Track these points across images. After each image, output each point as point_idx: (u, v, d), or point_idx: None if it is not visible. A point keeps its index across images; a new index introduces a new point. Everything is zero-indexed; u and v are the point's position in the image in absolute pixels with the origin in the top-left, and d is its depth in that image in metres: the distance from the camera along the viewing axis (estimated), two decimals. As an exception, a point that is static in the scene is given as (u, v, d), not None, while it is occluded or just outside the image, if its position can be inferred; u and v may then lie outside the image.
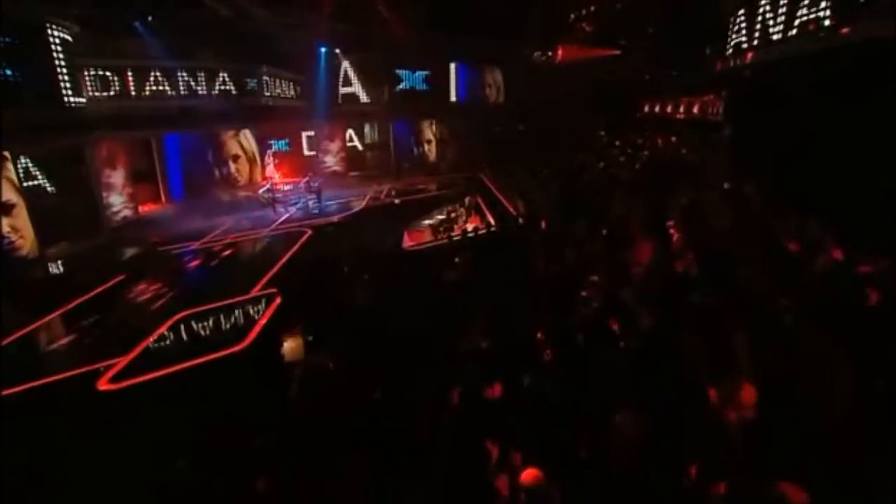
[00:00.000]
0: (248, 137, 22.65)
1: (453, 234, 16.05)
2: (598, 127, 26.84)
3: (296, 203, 20.52)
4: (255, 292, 11.34)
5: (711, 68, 15.50)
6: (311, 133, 24.95)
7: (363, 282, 10.42)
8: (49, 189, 14.28)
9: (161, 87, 18.30)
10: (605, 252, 7.97)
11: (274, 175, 22.00)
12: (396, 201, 21.46)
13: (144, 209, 19.20)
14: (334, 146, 25.76)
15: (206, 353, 8.59)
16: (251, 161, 22.90)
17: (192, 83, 19.04)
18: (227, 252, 14.79)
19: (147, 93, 17.82)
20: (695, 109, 22.20)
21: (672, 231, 7.89)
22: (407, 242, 15.40)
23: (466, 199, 18.40)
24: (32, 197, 13.44)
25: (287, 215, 19.01)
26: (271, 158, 22.01)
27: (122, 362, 8.50)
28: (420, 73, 26.17)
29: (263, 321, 9.87)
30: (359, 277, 10.69)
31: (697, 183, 11.76)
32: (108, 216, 16.16)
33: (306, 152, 25.16)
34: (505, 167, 24.06)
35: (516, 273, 8.67)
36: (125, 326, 9.97)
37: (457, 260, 11.91)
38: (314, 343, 8.41)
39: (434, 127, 28.28)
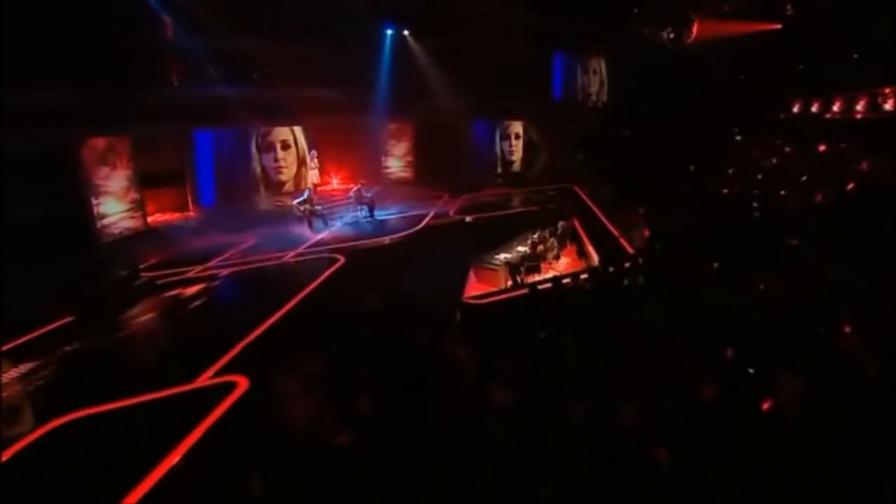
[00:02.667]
0: (296, 129, 19.16)
1: (539, 278, 11.37)
2: (731, 130, 20.89)
3: (341, 217, 16.54)
4: (204, 379, 7.20)
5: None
6: (372, 131, 20.98)
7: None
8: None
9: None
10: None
11: (317, 180, 18.19)
12: (468, 219, 16.91)
13: (164, 218, 16.00)
14: (399, 148, 21.64)
15: None
16: (300, 158, 19.31)
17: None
18: (216, 286, 11.00)
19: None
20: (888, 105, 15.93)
21: None
22: (471, 288, 10.88)
23: (559, 225, 13.48)
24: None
25: (325, 233, 15.04)
26: (315, 161, 18.13)
27: None
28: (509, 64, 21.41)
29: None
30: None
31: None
32: (99, 228, 12.88)
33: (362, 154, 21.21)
34: (608, 180, 18.88)
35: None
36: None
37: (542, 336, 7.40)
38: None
39: (521, 129, 23.51)
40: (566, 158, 22.73)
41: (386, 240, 14.36)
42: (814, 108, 20.11)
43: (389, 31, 19.73)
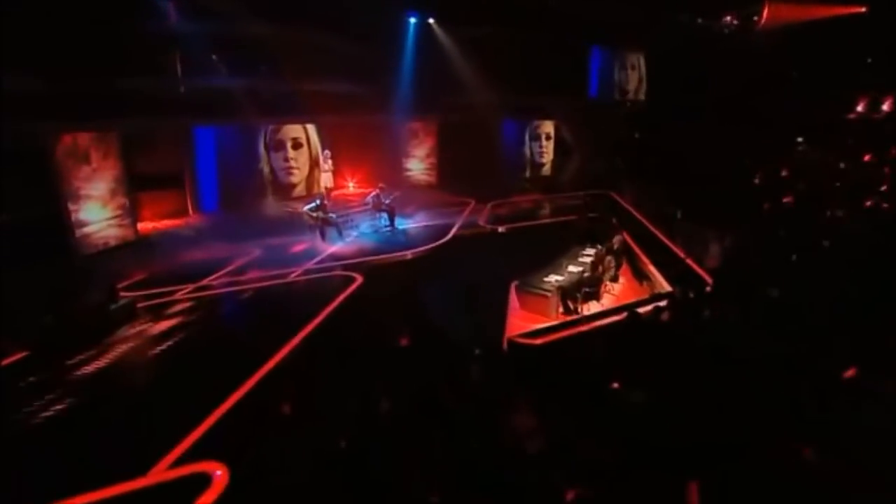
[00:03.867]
0: (308, 126, 17.45)
1: (599, 307, 9.45)
2: (790, 131, 18.72)
3: (357, 226, 14.66)
4: (160, 472, 5.26)
5: None
6: (392, 130, 19.11)
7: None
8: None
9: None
10: None
11: (330, 184, 16.33)
12: (501, 230, 14.99)
13: (160, 225, 14.24)
14: (421, 149, 19.73)
15: None
16: (313, 159, 17.57)
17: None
18: (208, 313, 9.12)
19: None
20: None
21: None
22: (515, 318, 8.99)
23: (615, 239, 11.46)
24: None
25: (340, 244, 13.17)
26: (329, 163, 16.26)
27: None
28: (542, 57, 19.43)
29: None
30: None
31: None
32: (77, 239, 11.11)
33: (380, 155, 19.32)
34: (653, 186, 16.84)
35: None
36: None
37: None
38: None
39: (552, 130, 21.53)
40: (601, 162, 20.75)
41: (408, 254, 12.47)
42: (885, 107, 17.93)
43: (413, 20, 17.85)
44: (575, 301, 9.50)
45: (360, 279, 10.58)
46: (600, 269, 10.33)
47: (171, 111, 13.78)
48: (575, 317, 9.12)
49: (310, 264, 11.66)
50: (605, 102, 20.67)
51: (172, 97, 14.01)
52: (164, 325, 8.67)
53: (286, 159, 16.89)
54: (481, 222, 15.71)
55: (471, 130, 19.84)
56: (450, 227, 14.90)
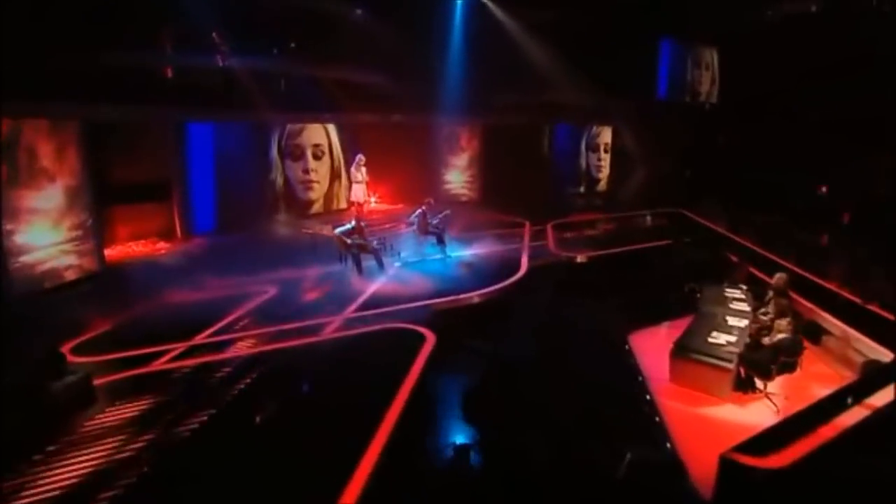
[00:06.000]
0: (330, 130, 14.27)
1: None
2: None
3: (399, 253, 11.34)
4: None
5: None
6: (429, 133, 15.92)
7: None
8: None
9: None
10: None
11: (364, 198, 13.00)
12: (579, 259, 11.79)
13: (136, 251, 10.86)
14: (463, 159, 16.52)
15: None
16: (334, 170, 14.36)
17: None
18: (200, 406, 5.48)
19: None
20: None
21: None
22: (671, 403, 5.81)
23: (777, 277, 8.08)
24: None
25: (382, 279, 9.83)
26: (362, 169, 12.90)
27: None
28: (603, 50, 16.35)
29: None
30: None
31: None
32: (13, 271, 7.68)
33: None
34: (757, 208, 13.90)
35: None
36: None
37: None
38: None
39: (610, 137, 18.52)
40: (667, 174, 17.73)
41: (474, 296, 9.11)
42: None
43: (460, -1, 14.83)
44: (767, 375, 6.25)
45: (429, 337, 7.24)
46: (786, 323, 7.08)
47: (156, 99, 10.52)
48: (773, 402, 5.99)
49: (349, 311, 8.29)
50: (674, 105, 17.62)
51: (158, 81, 10.75)
52: (133, 418, 5.28)
53: (306, 170, 13.79)
54: (553, 247, 12.50)
55: (520, 137, 16.80)
56: (514, 255, 11.67)
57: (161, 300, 8.38)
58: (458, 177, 16.51)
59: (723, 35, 17.62)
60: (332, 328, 7.60)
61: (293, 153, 13.61)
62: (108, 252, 10.10)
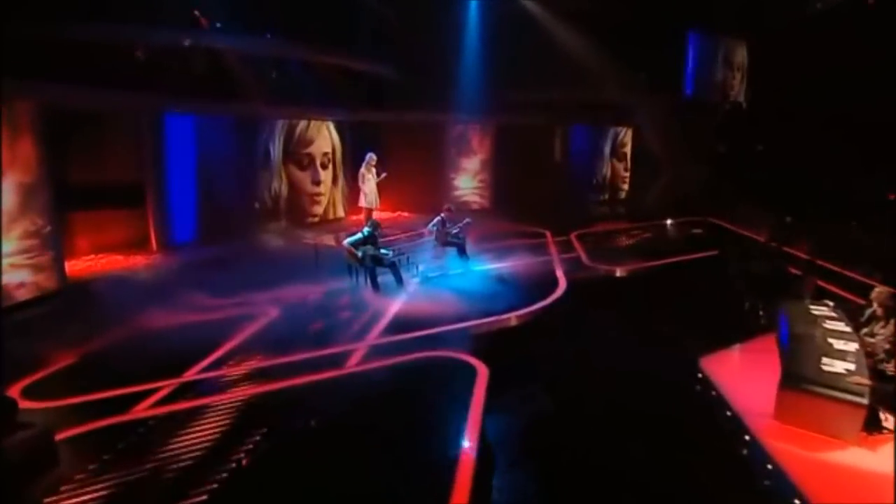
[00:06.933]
0: (332, 130, 13.33)
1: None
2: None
3: (414, 266, 10.26)
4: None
5: None
6: (436, 133, 14.95)
7: None
8: None
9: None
10: None
11: (376, 204, 11.93)
12: (618, 273, 10.89)
13: (102, 265, 9.64)
14: (473, 162, 15.58)
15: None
16: (335, 175, 13.58)
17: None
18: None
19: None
20: None
21: None
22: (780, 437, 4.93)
23: (876, 292, 7.20)
24: None
25: (402, 297, 8.75)
26: (373, 170, 11.79)
27: None
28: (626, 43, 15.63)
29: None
30: None
31: None
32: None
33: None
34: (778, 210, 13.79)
35: None
36: None
37: None
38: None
39: (631, 138, 17.84)
40: (695, 180, 17.07)
41: (512, 318, 8.07)
42: None
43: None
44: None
45: (480, 368, 6.17)
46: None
47: (127, 84, 9.38)
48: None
49: (372, 335, 7.18)
50: (703, 104, 16.99)
51: (128, 64, 9.60)
52: (110, 489, 4.11)
53: (317, 182, 13.07)
54: (587, 260, 11.56)
55: (535, 138, 16.00)
56: (547, 269, 10.74)
57: (137, 326, 7.19)
58: (468, 182, 15.55)
59: (759, 27, 17.06)
60: (357, 358, 6.48)
61: (301, 162, 12.85)
62: (69, 266, 8.84)
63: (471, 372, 6.07)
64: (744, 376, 6.18)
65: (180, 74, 10.08)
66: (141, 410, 5.22)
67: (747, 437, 5.06)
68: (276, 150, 12.28)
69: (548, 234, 13.59)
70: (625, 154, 18.01)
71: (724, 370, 6.45)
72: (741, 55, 17.77)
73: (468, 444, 4.68)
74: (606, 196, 17.76)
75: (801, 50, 15.14)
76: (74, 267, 9.25)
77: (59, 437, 4.65)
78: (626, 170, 18.06)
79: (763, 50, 17.41)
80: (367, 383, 5.91)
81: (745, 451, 4.89)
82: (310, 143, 12.91)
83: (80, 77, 8.54)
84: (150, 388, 5.58)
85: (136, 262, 9.99)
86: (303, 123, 12.72)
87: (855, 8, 14.52)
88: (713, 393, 5.89)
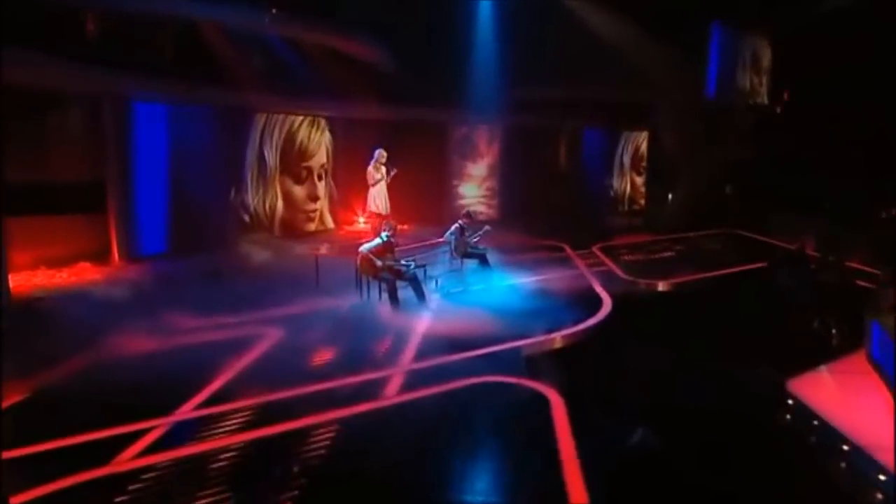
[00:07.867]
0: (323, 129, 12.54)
1: None
2: None
3: (436, 281, 9.28)
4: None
5: None
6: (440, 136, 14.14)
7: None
8: None
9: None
10: None
11: (386, 208, 10.97)
12: (661, 287, 10.16)
13: (59, 281, 8.45)
14: (480, 168, 14.78)
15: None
16: (327, 183, 12.81)
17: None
18: None
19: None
20: None
21: None
22: None
23: None
24: None
25: (427, 313, 7.77)
26: (382, 169, 10.78)
27: None
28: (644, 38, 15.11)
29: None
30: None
31: None
32: None
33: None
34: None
35: None
36: None
37: None
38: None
39: (647, 143, 17.37)
40: (717, 188, 16.66)
41: (556, 338, 7.14)
42: None
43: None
44: None
45: (553, 398, 5.23)
46: None
47: (86, 59, 8.33)
48: None
49: (407, 358, 6.17)
50: (726, 107, 16.54)
51: (88, 34, 8.56)
52: None
53: (314, 197, 12.57)
54: (623, 275, 10.78)
55: (547, 143, 15.39)
56: (580, 283, 9.91)
57: (104, 351, 6.05)
58: (473, 190, 14.67)
59: (787, 24, 16.76)
60: (394, 386, 5.46)
61: (299, 175, 12.27)
62: (13, 281, 7.63)
63: (539, 401, 5.14)
64: (844, 401, 5.40)
65: (154, 51, 9.00)
66: (125, 461, 4.11)
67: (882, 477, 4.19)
68: (272, 157, 11.53)
69: (566, 246, 12.83)
70: (642, 158, 17.50)
71: (821, 396, 5.59)
72: (766, 51, 17.46)
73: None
74: (625, 207, 17.18)
75: (834, 46, 14.82)
76: (22, 283, 8.02)
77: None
78: (642, 177, 17.56)
79: (791, 48, 17.09)
80: (416, 417, 4.91)
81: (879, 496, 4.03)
82: (312, 156, 12.36)
83: (26, 46, 7.42)
84: (132, 429, 4.47)
85: (95, 278, 8.79)
86: (303, 133, 12.07)
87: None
88: (815, 423, 5.05)
